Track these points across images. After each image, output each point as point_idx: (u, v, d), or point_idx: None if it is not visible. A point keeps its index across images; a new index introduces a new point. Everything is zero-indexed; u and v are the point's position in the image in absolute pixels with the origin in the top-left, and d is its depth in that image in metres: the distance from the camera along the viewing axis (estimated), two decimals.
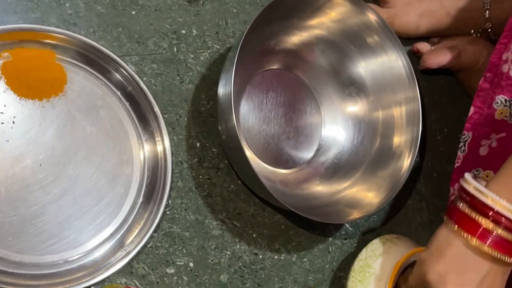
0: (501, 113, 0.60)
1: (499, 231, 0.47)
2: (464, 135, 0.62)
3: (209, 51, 0.61)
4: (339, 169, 0.63)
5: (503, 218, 0.47)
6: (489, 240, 0.48)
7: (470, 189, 0.49)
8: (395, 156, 0.61)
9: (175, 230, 0.57)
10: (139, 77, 0.56)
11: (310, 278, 0.62)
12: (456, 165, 0.63)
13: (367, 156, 0.63)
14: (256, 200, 0.61)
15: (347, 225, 0.64)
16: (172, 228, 0.57)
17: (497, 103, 0.60)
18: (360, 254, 0.61)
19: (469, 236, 0.48)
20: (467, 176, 0.50)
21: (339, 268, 0.63)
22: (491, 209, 0.48)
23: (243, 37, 0.53)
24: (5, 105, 0.51)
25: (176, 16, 0.60)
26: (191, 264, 0.57)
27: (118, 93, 0.56)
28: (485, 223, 0.48)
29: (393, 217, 0.67)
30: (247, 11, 0.63)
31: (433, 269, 0.50)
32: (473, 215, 0.48)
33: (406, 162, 0.60)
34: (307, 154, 0.64)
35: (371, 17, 0.60)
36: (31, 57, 0.53)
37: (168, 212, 0.57)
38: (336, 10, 0.60)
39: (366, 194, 0.61)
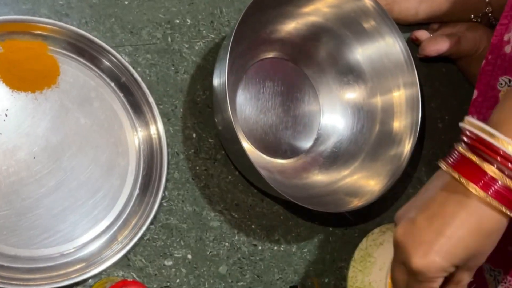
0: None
1: (505, 179, 0.42)
2: None
3: (203, 41, 0.60)
4: (339, 157, 0.63)
5: (510, 164, 0.42)
6: (492, 190, 0.42)
7: (474, 130, 0.43)
8: (395, 142, 0.61)
9: (172, 222, 0.57)
10: (133, 67, 0.55)
11: (311, 268, 0.61)
12: None
13: (367, 143, 0.62)
14: (254, 191, 0.60)
15: (347, 214, 0.64)
16: (169, 220, 0.56)
17: (501, 84, 0.59)
18: (361, 244, 0.60)
19: (475, 186, 0.42)
20: (470, 117, 0.44)
21: (340, 258, 0.63)
22: (498, 152, 0.42)
23: (237, 26, 0.52)
24: None
25: (169, 5, 0.59)
26: (189, 256, 0.57)
27: (112, 84, 0.55)
28: (491, 170, 0.42)
29: (393, 205, 0.66)
30: None
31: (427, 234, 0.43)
32: (478, 161, 0.42)
33: (407, 147, 0.60)
34: (306, 143, 0.63)
35: (367, 2, 0.59)
36: (23, 48, 0.52)
37: (165, 204, 0.56)
38: None
39: (366, 182, 0.60)
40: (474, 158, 0.42)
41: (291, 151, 0.63)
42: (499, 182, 0.42)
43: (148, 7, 0.58)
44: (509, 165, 0.41)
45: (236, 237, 0.59)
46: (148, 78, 0.57)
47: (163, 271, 0.55)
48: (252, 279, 0.59)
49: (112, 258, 0.52)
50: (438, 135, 0.69)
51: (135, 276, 0.54)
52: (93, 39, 0.53)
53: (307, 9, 0.60)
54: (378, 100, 0.63)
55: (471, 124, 0.44)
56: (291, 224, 0.62)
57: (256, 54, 0.61)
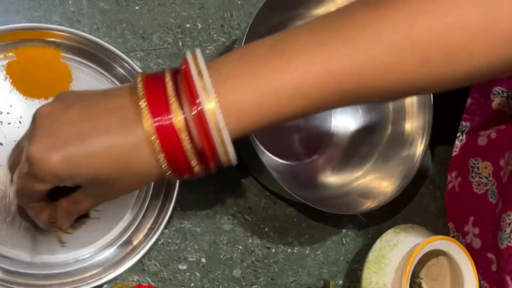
0: (499, 103, 0.60)
1: (183, 134, 0.36)
2: (462, 125, 0.63)
3: (214, 44, 0.60)
4: (351, 159, 0.62)
5: (199, 123, 0.36)
6: (163, 134, 0.36)
7: (192, 66, 0.37)
8: (408, 143, 0.60)
9: (186, 226, 0.57)
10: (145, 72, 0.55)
11: (325, 270, 0.61)
12: (454, 153, 0.63)
13: (379, 144, 0.62)
14: (267, 193, 0.60)
15: (360, 216, 0.63)
16: (183, 224, 0.57)
17: (494, 94, 0.59)
18: (375, 245, 0.60)
19: (151, 119, 0.36)
20: (199, 51, 0.38)
21: (354, 260, 0.63)
22: (195, 103, 0.36)
23: (248, 29, 0.52)
24: (11, 105, 0.51)
25: (180, 10, 0.59)
26: (203, 260, 0.57)
27: None
28: (177, 117, 0.36)
29: (407, 206, 0.66)
30: (252, 2, 0.62)
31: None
32: (172, 99, 0.36)
33: (419, 148, 0.59)
34: (318, 145, 0.63)
35: None
36: (36, 56, 0.52)
37: (178, 208, 0.56)
38: None
39: (379, 183, 0.60)
40: (172, 96, 0.36)
41: (303, 153, 0.63)
42: (177, 133, 0.36)
43: (158, 12, 0.58)
44: (199, 124, 0.36)
45: (250, 240, 0.59)
46: None
47: (178, 275, 0.56)
48: (266, 282, 0.59)
49: (127, 263, 0.52)
50: (452, 135, 0.69)
51: (150, 280, 0.54)
52: (104, 45, 0.54)
53: (318, 11, 0.60)
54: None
55: (194, 58, 0.37)
56: (304, 226, 0.61)
57: None
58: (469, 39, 0.36)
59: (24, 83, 0.52)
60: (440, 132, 0.67)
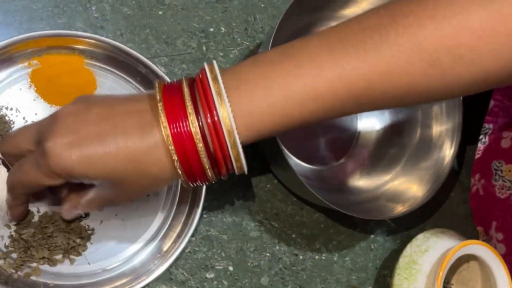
0: None
1: (198, 138, 0.37)
2: (484, 127, 0.62)
3: (238, 48, 0.59)
4: (379, 162, 0.61)
5: (214, 130, 0.37)
6: (178, 138, 0.37)
7: (209, 75, 0.38)
8: (437, 146, 0.59)
9: (212, 234, 0.56)
10: (169, 78, 0.55)
11: (353, 277, 0.60)
12: (477, 156, 0.62)
13: (408, 147, 0.61)
14: (294, 199, 0.59)
15: (388, 220, 0.62)
16: (209, 232, 0.56)
17: None
18: (405, 251, 0.59)
19: (166, 122, 0.37)
20: (215, 63, 0.40)
21: (383, 266, 0.61)
22: (212, 111, 0.37)
23: (274, 33, 0.51)
24: (36, 114, 0.50)
25: (203, 14, 0.58)
26: (230, 268, 0.56)
27: None
28: (193, 123, 0.37)
29: (436, 210, 0.64)
30: (276, 5, 0.61)
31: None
32: (189, 106, 0.37)
33: (449, 152, 0.58)
34: (344, 148, 0.62)
35: None
36: (60, 63, 0.52)
37: (205, 215, 0.56)
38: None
39: (408, 187, 0.59)
40: (188, 101, 0.37)
41: (330, 157, 0.61)
42: (192, 137, 0.37)
43: (182, 16, 0.58)
44: (212, 130, 0.37)
45: (277, 247, 0.58)
46: None
47: (205, 283, 0.55)
48: None
49: (154, 272, 0.51)
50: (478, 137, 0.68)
51: None
52: (129, 51, 0.53)
53: (344, 12, 0.59)
54: None
55: (211, 66, 0.39)
56: (332, 232, 0.60)
57: None
58: (477, 40, 0.36)
59: (48, 91, 0.51)
60: (469, 133, 0.66)
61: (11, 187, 0.42)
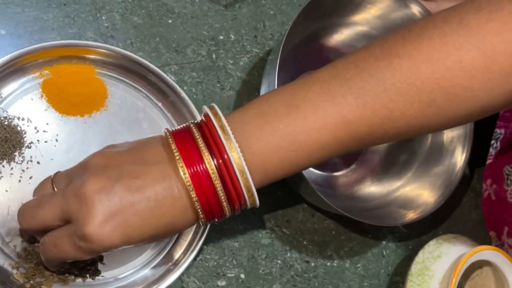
0: None
1: (217, 180, 0.39)
2: (496, 132, 0.61)
3: (248, 56, 0.59)
4: (390, 168, 0.61)
5: (226, 169, 0.39)
6: (198, 182, 0.39)
7: (214, 121, 0.40)
8: (448, 152, 0.59)
9: (224, 241, 0.56)
10: (180, 86, 0.55)
11: (365, 284, 0.60)
12: (488, 161, 0.62)
13: (419, 153, 0.61)
14: (305, 206, 0.59)
15: (400, 227, 0.62)
16: (221, 239, 0.56)
17: None
18: (417, 257, 0.58)
19: (185, 167, 0.39)
20: (215, 106, 0.42)
21: (395, 273, 0.61)
22: (222, 153, 0.39)
23: (284, 40, 0.51)
24: (47, 124, 0.51)
25: (213, 22, 0.59)
26: (242, 276, 0.56)
27: (159, 104, 0.54)
28: (210, 165, 0.39)
29: (448, 216, 0.64)
30: (285, 12, 0.61)
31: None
32: (203, 149, 0.40)
33: (461, 158, 0.58)
34: (355, 155, 0.62)
35: (415, 9, 0.58)
36: (71, 73, 0.52)
37: (215, 223, 0.55)
38: (378, 5, 0.58)
39: (420, 193, 0.58)
40: (201, 143, 0.40)
41: (340, 164, 0.61)
42: (210, 180, 0.39)
43: (191, 24, 0.58)
44: (224, 170, 0.39)
45: (288, 254, 0.58)
46: (194, 96, 0.57)
47: None
48: None
49: (166, 281, 0.51)
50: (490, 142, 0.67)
51: None
52: (139, 60, 0.53)
53: (353, 18, 0.59)
54: None
55: (214, 113, 0.41)
56: (343, 239, 0.60)
57: (301, 66, 0.60)
58: (470, 79, 0.38)
59: (59, 100, 0.51)
60: (480, 139, 0.66)
61: (48, 261, 0.44)
